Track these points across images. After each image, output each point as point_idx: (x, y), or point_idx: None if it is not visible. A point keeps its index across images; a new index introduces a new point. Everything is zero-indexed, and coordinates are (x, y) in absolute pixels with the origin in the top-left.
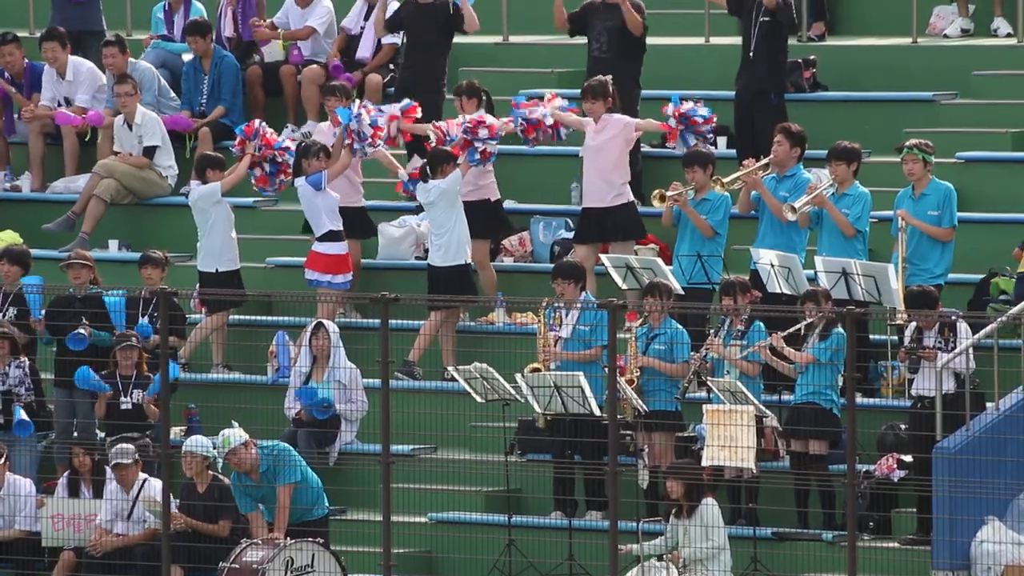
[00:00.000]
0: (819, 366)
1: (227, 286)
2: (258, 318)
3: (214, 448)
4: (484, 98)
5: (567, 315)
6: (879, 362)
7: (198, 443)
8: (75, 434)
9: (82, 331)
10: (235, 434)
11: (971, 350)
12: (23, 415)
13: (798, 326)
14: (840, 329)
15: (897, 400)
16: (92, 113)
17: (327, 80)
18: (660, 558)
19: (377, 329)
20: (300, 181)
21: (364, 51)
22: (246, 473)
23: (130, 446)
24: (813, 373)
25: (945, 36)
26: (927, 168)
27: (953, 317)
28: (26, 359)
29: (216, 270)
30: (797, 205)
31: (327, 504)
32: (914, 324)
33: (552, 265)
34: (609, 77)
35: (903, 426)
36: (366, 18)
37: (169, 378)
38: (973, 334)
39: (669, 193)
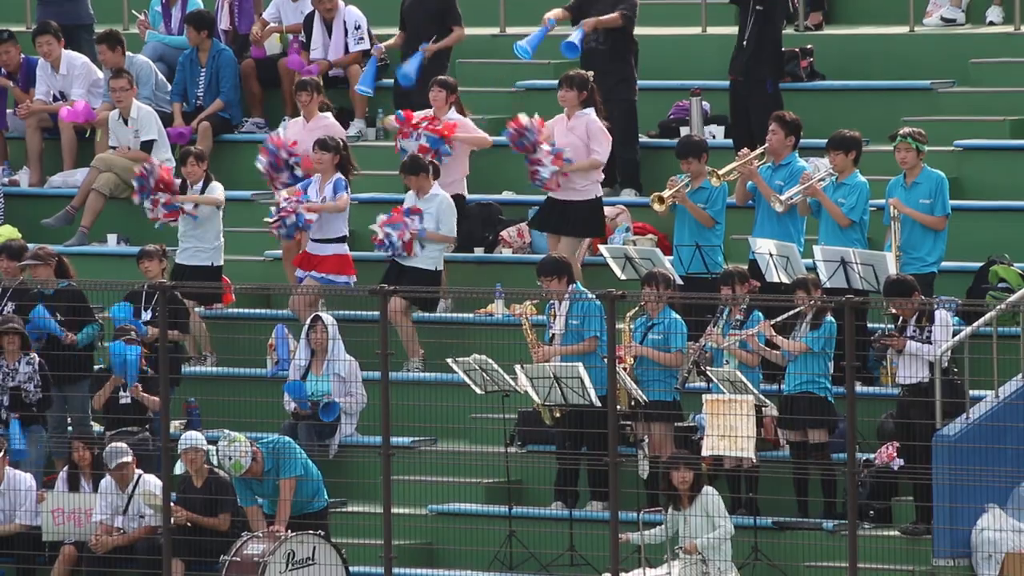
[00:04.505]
0: (812, 355)
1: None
2: (257, 311)
3: (209, 443)
4: (455, 96)
5: (559, 308)
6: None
7: (196, 438)
8: (70, 428)
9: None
10: (242, 455)
11: (948, 340)
12: (21, 443)
13: (787, 315)
14: (831, 317)
15: (896, 389)
16: (84, 107)
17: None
18: (676, 555)
19: (375, 322)
20: (338, 177)
21: (335, 55)
22: (254, 476)
23: (123, 444)
24: (805, 362)
25: (923, 24)
26: (920, 156)
27: (936, 304)
28: (36, 355)
29: (212, 263)
30: (784, 197)
31: (326, 496)
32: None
33: None
34: (591, 73)
35: None
36: (329, 36)
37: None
38: (971, 322)
39: (667, 193)
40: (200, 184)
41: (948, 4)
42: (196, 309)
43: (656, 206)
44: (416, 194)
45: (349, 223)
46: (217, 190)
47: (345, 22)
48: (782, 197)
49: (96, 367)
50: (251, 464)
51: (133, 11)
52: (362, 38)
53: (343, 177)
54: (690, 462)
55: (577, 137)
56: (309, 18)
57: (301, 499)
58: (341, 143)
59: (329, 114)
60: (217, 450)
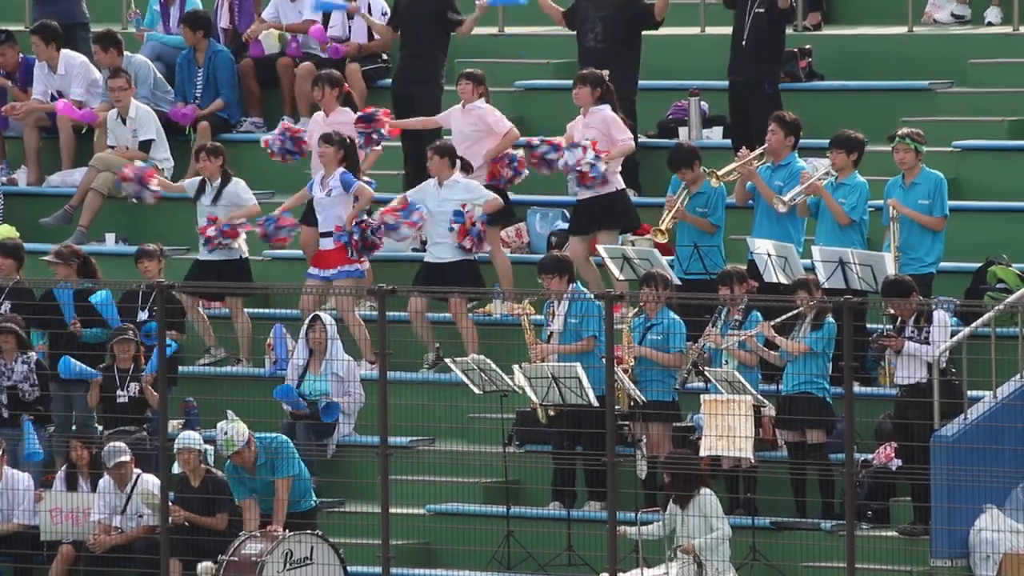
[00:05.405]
0: (810, 355)
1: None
2: (256, 311)
3: (207, 442)
4: (483, 87)
5: (558, 308)
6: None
7: (191, 438)
8: (73, 427)
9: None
10: (238, 434)
11: (946, 340)
12: (36, 445)
13: (788, 315)
14: (831, 318)
15: (894, 389)
16: (85, 111)
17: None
18: (674, 556)
19: (375, 321)
20: (343, 172)
21: (358, 39)
22: (244, 467)
23: (121, 444)
24: (804, 362)
25: (935, 22)
26: (919, 157)
27: (935, 305)
28: (34, 354)
29: (240, 256)
30: (787, 198)
31: (315, 497)
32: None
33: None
34: (606, 72)
35: None
36: (349, 17)
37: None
38: (969, 323)
39: (665, 222)
40: (219, 181)
41: (955, 1)
42: (245, 310)
43: (659, 239)
44: (438, 181)
45: None
46: (243, 188)
47: (370, 5)
48: (784, 198)
49: (101, 365)
50: (243, 448)
51: (134, 6)
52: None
53: (347, 171)
54: (676, 463)
55: (596, 132)
56: None
57: (292, 498)
58: (347, 140)
59: (348, 109)
60: (217, 428)
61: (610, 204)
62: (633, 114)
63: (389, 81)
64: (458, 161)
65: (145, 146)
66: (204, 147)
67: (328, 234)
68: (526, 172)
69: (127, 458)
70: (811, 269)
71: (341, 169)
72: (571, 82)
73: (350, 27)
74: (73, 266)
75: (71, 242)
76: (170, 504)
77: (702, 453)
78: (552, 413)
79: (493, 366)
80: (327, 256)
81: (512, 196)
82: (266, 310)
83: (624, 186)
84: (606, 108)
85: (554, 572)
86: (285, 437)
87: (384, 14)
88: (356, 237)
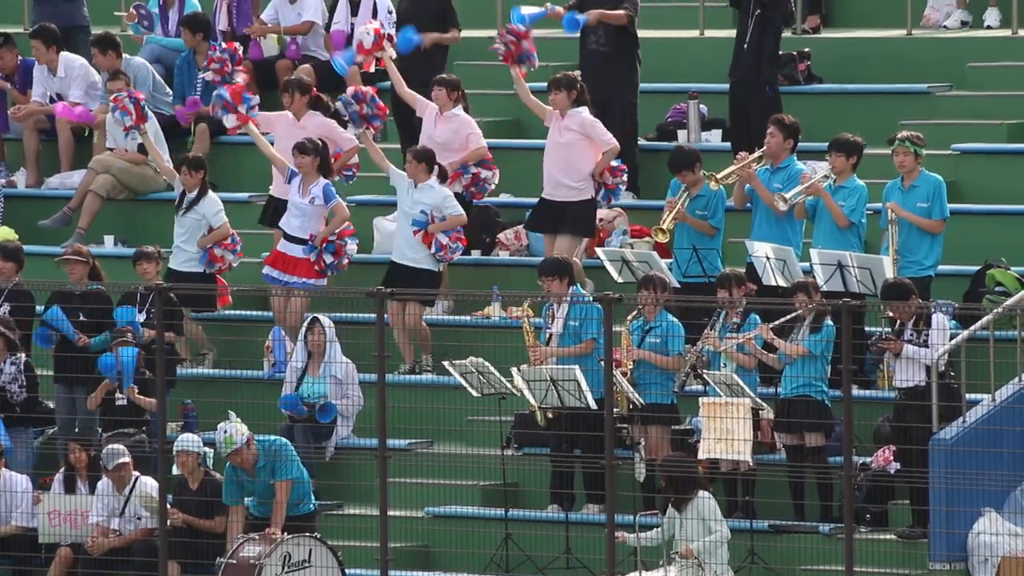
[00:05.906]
0: (809, 358)
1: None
2: (254, 313)
3: (206, 445)
4: (458, 94)
5: (558, 310)
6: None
7: (190, 440)
8: (76, 430)
9: (51, 331)
10: (237, 433)
11: (945, 343)
12: (5, 438)
13: (786, 318)
14: (830, 321)
15: (893, 392)
16: (81, 110)
17: (317, 75)
18: (672, 559)
19: (373, 323)
20: (325, 183)
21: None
22: (243, 468)
23: (121, 446)
24: (803, 365)
25: (944, 28)
26: (918, 160)
27: (933, 308)
28: (23, 355)
29: (205, 271)
30: (788, 196)
31: (314, 501)
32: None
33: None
34: (578, 72)
35: None
36: (354, 15)
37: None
38: (968, 325)
39: (667, 223)
40: (195, 193)
41: (956, 8)
42: (189, 314)
43: (659, 238)
44: (413, 182)
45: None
46: (214, 206)
47: (376, 3)
48: (787, 196)
49: None
50: (242, 447)
51: (132, 8)
52: (396, 22)
53: (329, 182)
54: (672, 466)
55: (574, 135)
56: None
57: (290, 501)
58: (320, 144)
59: (318, 113)
60: (218, 427)
61: (578, 211)
62: (634, 117)
63: (388, 84)
64: (436, 167)
65: (144, 148)
66: (185, 159)
67: (299, 240)
68: (491, 187)
69: (126, 460)
70: (810, 272)
71: (324, 180)
72: None
73: (353, 24)
74: (90, 265)
75: (74, 243)
76: (168, 507)
77: (700, 456)
78: (551, 416)
79: (491, 369)
80: (296, 263)
81: (511, 198)
82: (265, 312)
83: (593, 196)
84: (583, 110)
85: (552, 575)
86: (285, 440)
87: (389, 12)
88: (327, 261)
